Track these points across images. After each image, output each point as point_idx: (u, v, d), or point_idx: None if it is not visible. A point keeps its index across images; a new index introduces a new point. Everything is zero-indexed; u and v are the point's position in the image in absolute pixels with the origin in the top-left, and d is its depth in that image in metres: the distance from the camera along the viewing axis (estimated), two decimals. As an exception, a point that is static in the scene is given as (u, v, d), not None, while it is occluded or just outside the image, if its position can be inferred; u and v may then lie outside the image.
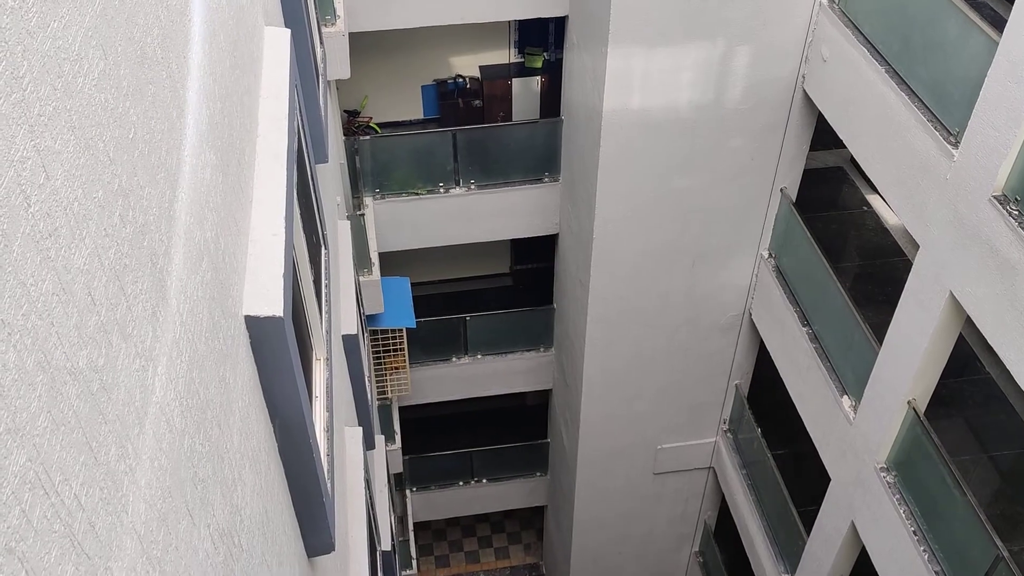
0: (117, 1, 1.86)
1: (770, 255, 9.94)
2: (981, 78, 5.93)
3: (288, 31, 4.24)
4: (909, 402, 7.18)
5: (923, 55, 6.78)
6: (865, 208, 10.61)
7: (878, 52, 7.28)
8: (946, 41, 6.51)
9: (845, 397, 8.30)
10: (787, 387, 9.53)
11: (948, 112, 6.46)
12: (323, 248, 5.07)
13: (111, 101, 1.75)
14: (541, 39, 11.98)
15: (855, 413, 8.08)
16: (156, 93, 2.09)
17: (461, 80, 12.25)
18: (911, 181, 6.88)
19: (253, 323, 2.75)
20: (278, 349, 2.85)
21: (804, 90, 8.66)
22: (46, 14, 1.46)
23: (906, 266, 7.22)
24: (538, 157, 11.28)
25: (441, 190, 11.20)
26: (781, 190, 9.47)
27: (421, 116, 12.63)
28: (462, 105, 12.15)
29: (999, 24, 5.90)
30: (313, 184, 4.85)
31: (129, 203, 1.78)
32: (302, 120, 4.51)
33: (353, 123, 11.82)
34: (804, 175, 9.67)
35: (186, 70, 2.44)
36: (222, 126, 2.84)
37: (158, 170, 2.03)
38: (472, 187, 11.23)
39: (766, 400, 11.16)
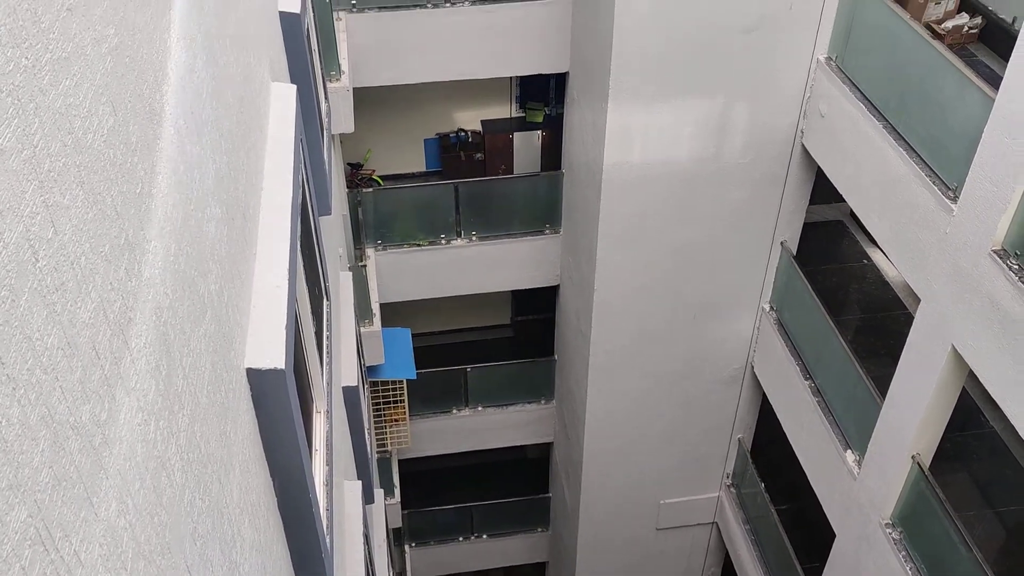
0: (128, 59, 1.90)
1: (771, 308, 9.95)
2: (978, 134, 6.00)
3: (294, 87, 4.30)
4: (913, 457, 7.12)
5: (920, 111, 6.87)
6: (865, 261, 10.64)
7: (876, 108, 7.37)
8: (943, 98, 6.60)
9: (849, 452, 8.23)
10: (790, 441, 9.46)
11: (946, 167, 6.51)
12: (325, 299, 5.08)
13: (119, 156, 1.77)
14: (542, 94, 12.14)
15: (859, 468, 8.01)
16: (164, 148, 2.12)
17: (463, 134, 12.39)
18: (911, 235, 6.91)
19: (255, 376, 2.75)
20: (279, 402, 2.84)
21: (803, 144, 8.75)
22: (58, 72, 1.49)
23: (908, 319, 7.22)
24: (539, 209, 11.36)
25: (443, 242, 11.26)
26: (781, 243, 9.51)
27: (423, 169, 12.75)
28: (464, 158, 12.28)
29: (994, 81, 5.98)
30: (316, 236, 4.88)
31: (135, 257, 1.80)
32: (306, 173, 4.55)
33: (356, 175, 11.93)
34: (804, 228, 9.72)
35: (193, 125, 2.47)
36: (228, 180, 2.87)
37: (164, 223, 2.05)
38: (474, 239, 11.28)
39: (770, 454, 11.06)
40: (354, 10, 9.34)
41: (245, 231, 3.08)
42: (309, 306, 4.23)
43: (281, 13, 4.91)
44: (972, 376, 6.44)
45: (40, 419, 1.26)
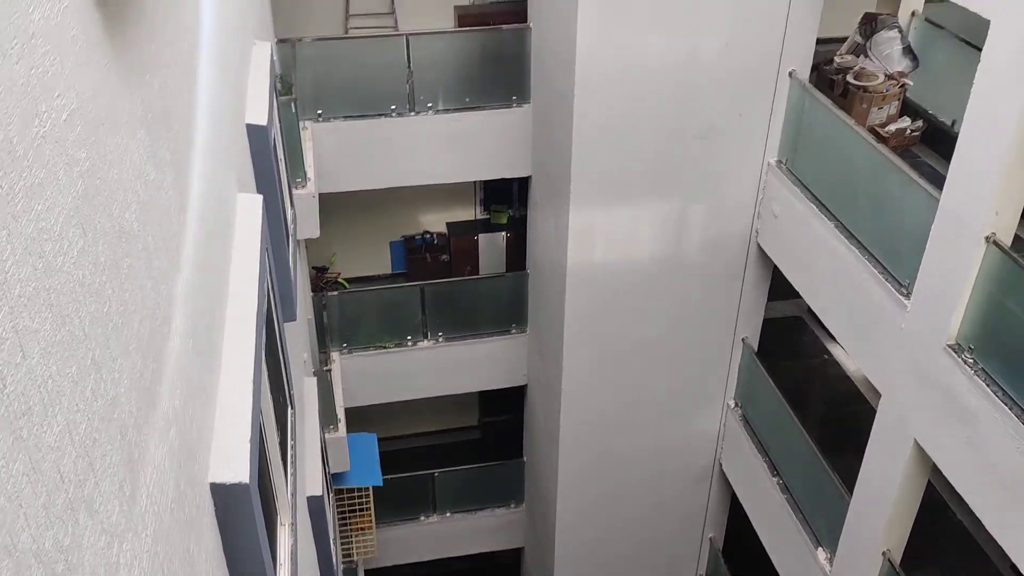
0: (99, 180, 1.94)
1: (736, 404, 10.00)
2: (925, 232, 6.21)
3: (260, 197, 4.38)
4: (884, 553, 7.09)
5: (869, 211, 7.11)
6: (826, 356, 10.79)
7: (826, 208, 7.62)
8: (890, 198, 6.85)
9: (820, 549, 8.17)
10: (761, 539, 9.38)
11: (897, 264, 6.71)
12: (290, 408, 5.04)
13: (88, 277, 1.80)
14: (506, 197, 12.38)
15: (831, 565, 7.95)
16: (132, 265, 2.15)
17: (429, 236, 12.54)
18: (868, 331, 7.06)
19: (219, 491, 2.71)
20: (244, 517, 2.80)
21: (758, 244, 8.98)
22: (31, 199, 1.52)
23: (871, 413, 7.30)
24: (505, 309, 11.43)
25: (409, 343, 11.25)
26: (743, 340, 9.64)
27: (389, 271, 12.83)
28: (430, 260, 12.39)
29: (938, 181, 6.24)
30: (281, 344, 4.87)
31: (101, 376, 1.80)
32: (272, 282, 4.58)
33: (321, 279, 11.96)
34: (765, 324, 9.88)
35: (161, 241, 2.51)
36: (194, 293, 2.89)
37: (130, 341, 2.06)
38: (440, 340, 11.29)
39: (742, 552, 10.93)
40: (320, 119, 9.55)
41: (210, 343, 3.09)
42: (274, 416, 4.20)
43: (248, 125, 5.02)
44: (937, 469, 6.50)
45: (3, 548, 1.24)
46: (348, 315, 11.06)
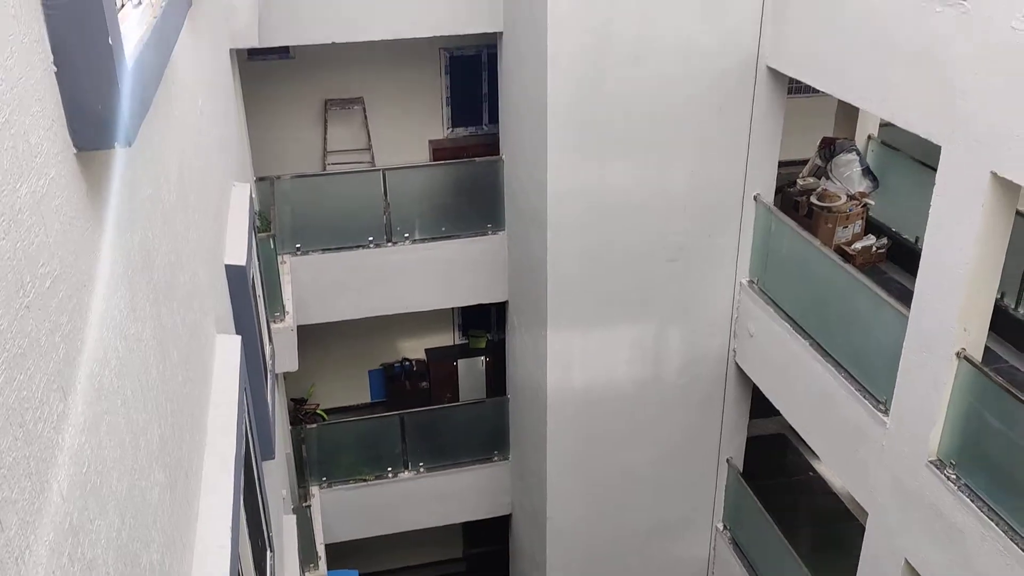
0: (79, 343, 1.97)
1: (725, 527, 9.85)
2: (898, 349, 6.31)
3: (238, 338, 4.40)
4: None
5: (842, 329, 7.23)
6: (811, 473, 10.71)
7: (800, 327, 7.74)
8: (860, 316, 6.98)
9: (818, 677, 7.92)
10: (758, 668, 9.08)
11: (874, 381, 6.78)
12: (268, 551, 4.93)
13: (67, 439, 1.80)
14: (484, 321, 12.48)
15: None
16: (110, 423, 2.15)
17: (407, 363, 12.53)
18: (849, 449, 7.06)
19: (195, 648, 2.63)
20: (220, 675, 2.71)
21: (736, 363, 9.05)
22: (13, 369, 1.55)
23: (860, 530, 7.22)
24: (486, 436, 11.33)
25: (389, 475, 11.07)
26: (727, 460, 9.58)
27: (368, 400, 12.75)
28: (409, 388, 12.35)
29: (907, 297, 6.38)
30: (260, 485, 4.80)
31: (79, 540, 1.78)
32: (250, 422, 4.55)
33: (300, 411, 11.85)
34: (748, 443, 9.85)
35: (140, 393, 2.52)
36: (172, 441, 2.88)
37: (108, 500, 2.04)
38: (421, 470, 11.13)
39: None
40: (298, 253, 9.69)
41: (188, 492, 3.05)
42: (252, 560, 4.10)
43: (227, 266, 5.09)
44: (929, 589, 6.39)
45: None
46: (327, 448, 10.92)
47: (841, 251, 8.70)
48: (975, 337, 5.78)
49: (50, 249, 1.81)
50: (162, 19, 3.02)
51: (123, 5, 2.76)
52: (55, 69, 1.98)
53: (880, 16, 6.21)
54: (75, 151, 2.07)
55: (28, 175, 1.74)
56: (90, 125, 2.06)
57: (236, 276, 5.03)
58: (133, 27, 2.67)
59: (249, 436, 4.41)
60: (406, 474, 11.10)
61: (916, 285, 6.11)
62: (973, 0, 5.32)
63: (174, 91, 3.75)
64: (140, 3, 2.93)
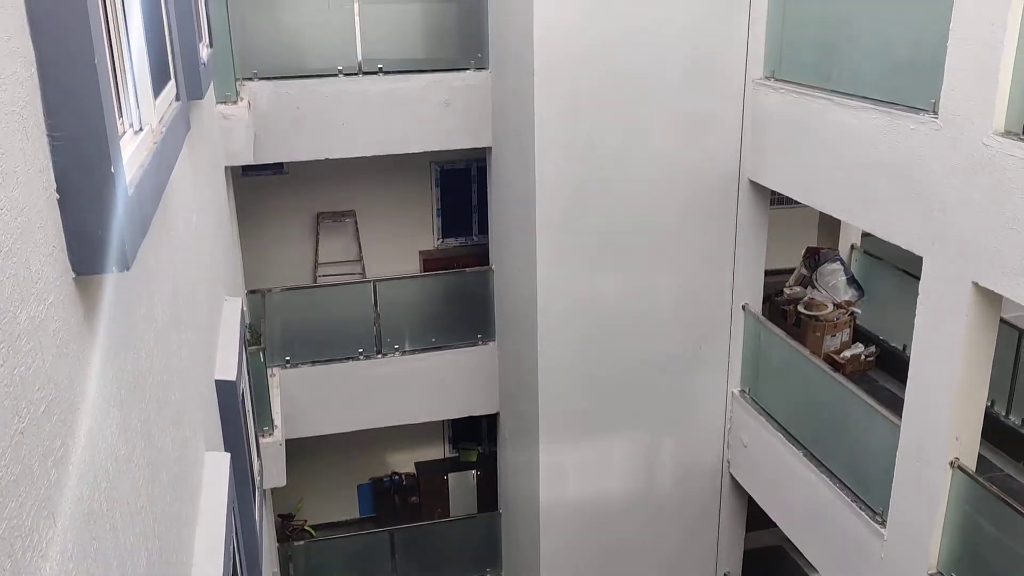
0: (71, 466, 1.96)
1: (724, 645, 9.55)
2: (892, 458, 6.27)
3: (227, 456, 4.36)
4: None
5: (835, 438, 7.20)
6: (811, 587, 10.46)
7: (793, 437, 7.70)
8: (852, 425, 6.96)
9: None
10: None
11: (870, 492, 6.71)
12: (253, 678, 4.74)
13: (54, 568, 1.77)
14: (475, 434, 12.36)
15: None
16: (99, 548, 2.12)
17: (397, 477, 12.35)
18: (848, 562, 6.93)
19: None
20: None
21: (731, 475, 8.95)
22: (5, 497, 1.54)
23: (862, 650, 7.01)
24: (479, 552, 11.08)
25: (378, 594, 10.76)
26: (725, 574, 9.37)
27: (358, 515, 12.50)
28: (399, 502, 12.13)
29: (898, 406, 6.38)
30: (245, 607, 4.67)
31: (60, 675, 1.73)
32: (237, 542, 4.46)
33: (287, 527, 11.59)
34: (745, 555, 9.64)
35: (128, 517, 2.48)
36: (159, 566, 2.82)
37: (92, 631, 1.99)
38: (410, 589, 10.82)
39: None
40: (288, 366, 9.67)
41: (172, 618, 2.97)
42: None
43: (218, 381, 5.08)
44: None
45: None
46: (315, 566, 10.64)
47: (830, 360, 8.74)
48: (968, 446, 5.77)
49: (46, 374, 1.83)
50: (162, 144, 3.11)
51: (124, 132, 2.85)
52: (58, 197, 2.04)
53: (854, 132, 6.43)
54: (74, 276, 2.11)
55: (28, 301, 1.77)
56: (90, 250, 2.11)
57: (226, 392, 5.01)
58: (134, 153, 2.76)
59: (236, 557, 4.32)
60: (395, 593, 10.79)
61: (906, 394, 6.13)
62: (945, 117, 5.53)
63: (170, 211, 3.83)
64: (141, 129, 3.03)
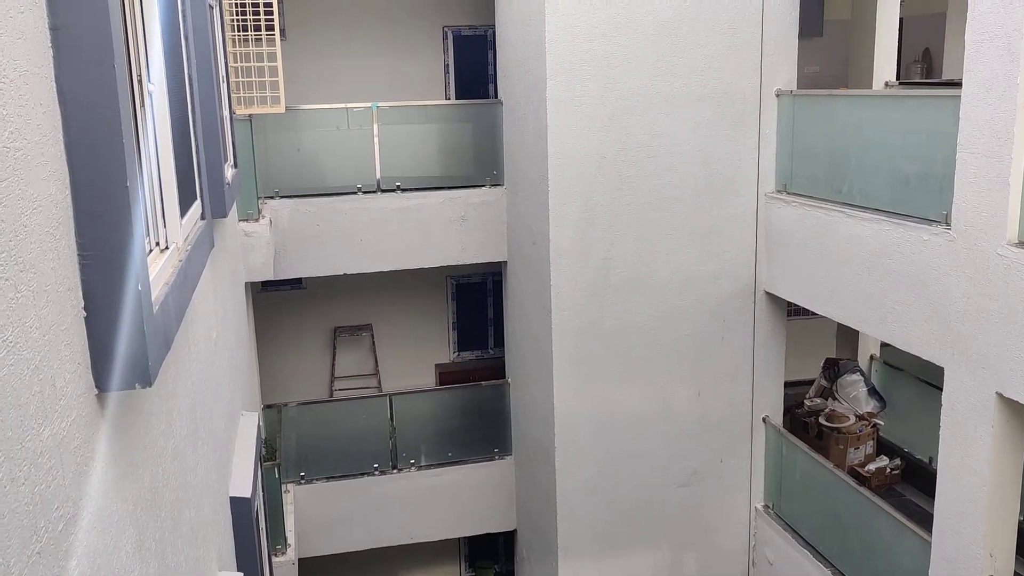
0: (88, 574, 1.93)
1: None
2: (925, 575, 6.05)
3: (240, 575, 4.26)
4: None
5: (863, 555, 6.97)
6: None
7: (819, 553, 7.46)
8: (880, 542, 6.76)
9: None
10: None
11: (902, 612, 6.45)
12: None
13: None
14: (491, 552, 12.04)
15: None
16: (107, 675, 2.06)
17: (412, 597, 11.98)
18: None
19: None
20: None
21: (757, 594, 8.65)
22: (18, 620, 1.51)
23: None
24: None
25: None
26: None
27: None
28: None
29: (927, 520, 6.19)
30: None
31: None
32: (248, 667, 4.31)
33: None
34: None
35: (139, 640, 2.42)
36: None
37: None
38: None
39: None
40: (303, 482, 9.54)
41: None
42: None
43: (232, 498, 5.01)
44: None
45: None
46: None
47: (855, 473, 8.55)
48: (1003, 564, 5.57)
49: (65, 491, 1.82)
50: (187, 262, 3.18)
51: (151, 250, 2.92)
52: (85, 314, 2.07)
53: (868, 245, 6.48)
54: (96, 392, 2.12)
55: (51, 418, 1.77)
56: (114, 367, 2.13)
57: (241, 509, 4.94)
58: (159, 271, 2.81)
59: None
60: None
61: (935, 509, 5.96)
62: (958, 228, 5.57)
63: (192, 327, 3.87)
64: (167, 247, 3.09)
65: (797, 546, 7.73)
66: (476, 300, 11.56)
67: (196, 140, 3.99)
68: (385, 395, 10.16)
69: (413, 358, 11.37)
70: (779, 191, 7.85)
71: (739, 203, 8.00)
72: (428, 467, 9.87)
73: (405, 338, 11.31)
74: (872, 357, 10.19)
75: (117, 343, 2.12)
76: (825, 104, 7.41)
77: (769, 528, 8.26)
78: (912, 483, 8.96)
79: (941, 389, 5.86)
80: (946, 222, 5.71)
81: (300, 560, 8.55)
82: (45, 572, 1.65)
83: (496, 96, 9.38)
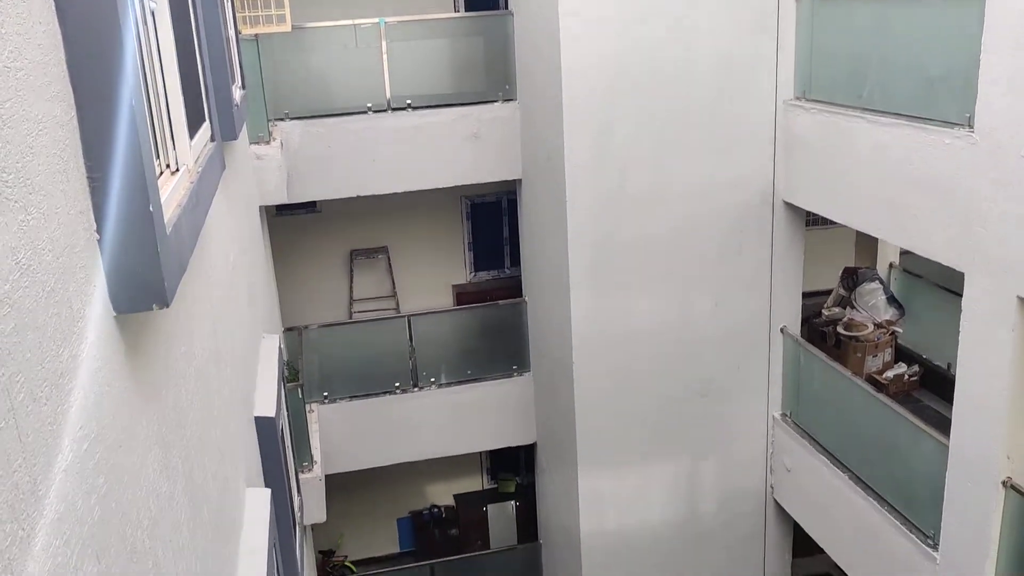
0: (114, 504, 1.97)
1: (774, 676, 9.32)
2: (941, 479, 6.12)
3: (268, 491, 4.36)
4: None
5: (881, 461, 7.05)
6: (862, 614, 10.19)
7: (837, 460, 7.55)
8: (899, 447, 6.82)
9: None
10: None
11: (919, 514, 6.55)
12: None
13: (100, 607, 1.77)
14: (512, 464, 12.28)
15: None
16: (142, 586, 2.12)
17: (436, 510, 12.29)
18: (900, 587, 6.75)
19: None
20: None
21: (775, 500, 8.79)
22: (51, 535, 1.54)
23: None
24: (520, 586, 10.96)
25: (420, 630, 10.67)
26: (772, 603, 9.17)
27: (398, 550, 12.44)
28: (438, 535, 12.06)
29: (945, 425, 6.23)
30: (289, 645, 4.64)
31: None
32: (280, 579, 4.45)
33: (328, 563, 11.56)
34: (792, 583, 9.46)
35: (171, 555, 2.48)
36: (202, 604, 2.81)
37: (137, 670, 1.98)
38: (453, 624, 10.72)
39: None
40: (326, 401, 9.70)
41: (217, 656, 2.96)
42: None
43: (257, 418, 5.10)
44: None
45: None
46: (357, 602, 10.58)
47: (873, 380, 8.59)
48: (1020, 466, 5.61)
49: (88, 412, 1.84)
50: (198, 184, 3.15)
51: (161, 172, 2.89)
52: (98, 237, 2.07)
53: (890, 150, 6.37)
54: (114, 314, 2.13)
55: (70, 340, 1.78)
56: (130, 289, 2.13)
57: (266, 428, 5.03)
58: (171, 193, 2.79)
59: (278, 594, 4.30)
60: (438, 629, 10.69)
61: (953, 413, 5.99)
62: (981, 131, 5.45)
63: (208, 250, 3.87)
64: (178, 170, 3.07)
65: (815, 452, 7.82)
66: (491, 219, 11.51)
67: (201, 59, 3.92)
68: (403, 316, 10.22)
69: (430, 279, 11.40)
70: (798, 98, 7.68)
71: (757, 111, 7.85)
72: (448, 385, 9.99)
73: (421, 259, 11.32)
74: (891, 265, 10.13)
75: (132, 265, 2.12)
76: (846, 4, 7.18)
77: (787, 436, 8.35)
78: (930, 389, 9.00)
79: (960, 295, 5.83)
80: (969, 125, 5.58)
81: (327, 476, 8.74)
82: (74, 489, 1.69)
83: (507, 7, 9.15)
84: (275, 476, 5.03)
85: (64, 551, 1.60)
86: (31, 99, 1.70)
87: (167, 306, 2.21)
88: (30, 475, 1.48)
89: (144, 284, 2.15)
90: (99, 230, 2.07)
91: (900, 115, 6.29)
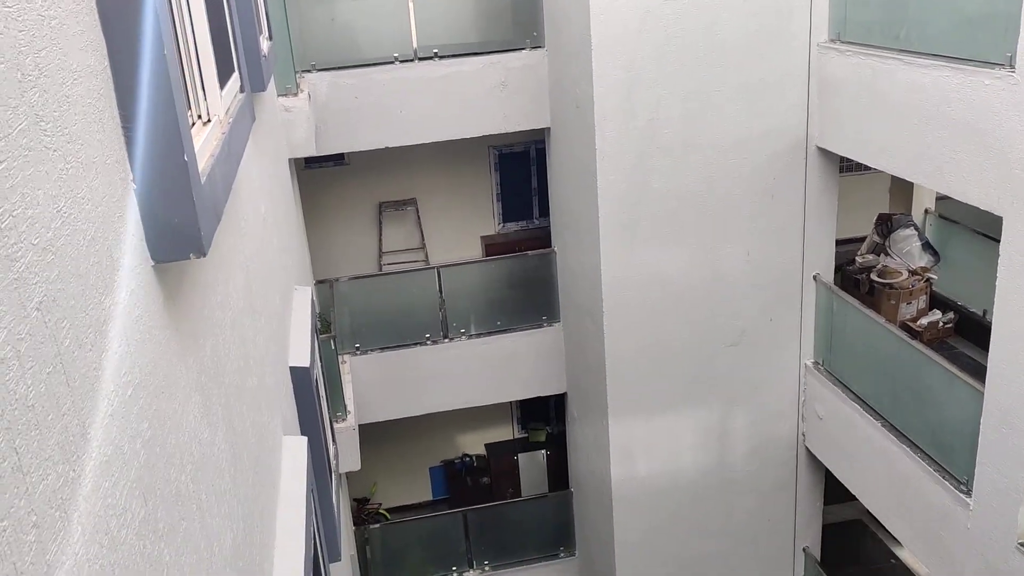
0: (159, 448, 2.01)
1: (804, 620, 9.42)
2: (976, 426, 6.09)
3: (304, 439, 4.44)
4: None
5: (914, 408, 7.01)
6: (893, 560, 10.26)
7: (871, 408, 7.53)
8: (933, 394, 6.78)
9: None
10: None
11: (953, 461, 6.53)
12: (338, 657, 4.84)
13: (148, 546, 1.82)
14: (543, 414, 12.38)
15: None
16: (187, 528, 2.17)
17: (468, 459, 12.44)
18: (932, 533, 6.76)
19: None
20: None
21: (807, 448, 8.80)
22: (100, 475, 1.58)
23: (950, 623, 6.85)
24: (552, 532, 11.10)
25: (454, 574, 10.87)
26: (804, 549, 9.23)
27: (431, 497, 12.65)
28: (470, 484, 12.23)
29: (980, 372, 6.18)
30: (328, 588, 4.76)
31: (158, 650, 1.78)
32: (317, 524, 4.54)
33: (363, 511, 11.79)
34: (824, 530, 9.49)
35: (214, 498, 2.54)
36: (244, 547, 2.88)
37: (186, 607, 2.04)
38: (487, 569, 10.91)
39: None
40: (358, 352, 9.80)
41: (260, 597, 3.04)
42: (322, 668, 4.03)
43: (292, 368, 5.17)
44: None
45: None
46: (391, 548, 10.79)
47: (907, 328, 8.51)
48: (1057, 411, 5.56)
49: (131, 359, 1.87)
50: (230, 134, 3.16)
51: (194, 123, 2.90)
52: (135, 186, 2.09)
53: (927, 92, 6.22)
54: (152, 264, 2.15)
55: (111, 288, 1.81)
56: (167, 238, 2.15)
57: (301, 378, 5.10)
58: (204, 143, 2.80)
59: (316, 538, 4.40)
60: (471, 573, 10.89)
61: (989, 360, 5.93)
62: (1023, 71, 5.31)
63: (240, 201, 3.89)
64: (209, 120, 3.08)
65: (848, 400, 7.80)
66: (519, 170, 11.45)
67: (230, 9, 3.91)
68: (433, 268, 10.25)
69: (459, 231, 11.40)
70: (832, 40, 7.51)
71: (790, 55, 7.69)
72: (479, 336, 10.04)
73: (450, 211, 11.31)
74: (927, 211, 9.97)
75: (169, 214, 2.14)
76: (882, -57, 6.98)
77: (819, 384, 8.32)
78: (965, 336, 8.92)
79: (998, 240, 5.73)
80: (1010, 64, 5.43)
81: (360, 426, 8.87)
82: (120, 433, 1.72)
83: (532, -47, 8.99)
84: (311, 425, 5.11)
85: (113, 492, 1.64)
86: (66, 48, 1.71)
87: (204, 255, 2.24)
88: (79, 419, 1.51)
89: (180, 234, 2.17)
90: (135, 180, 2.08)
91: (938, 56, 6.13)
